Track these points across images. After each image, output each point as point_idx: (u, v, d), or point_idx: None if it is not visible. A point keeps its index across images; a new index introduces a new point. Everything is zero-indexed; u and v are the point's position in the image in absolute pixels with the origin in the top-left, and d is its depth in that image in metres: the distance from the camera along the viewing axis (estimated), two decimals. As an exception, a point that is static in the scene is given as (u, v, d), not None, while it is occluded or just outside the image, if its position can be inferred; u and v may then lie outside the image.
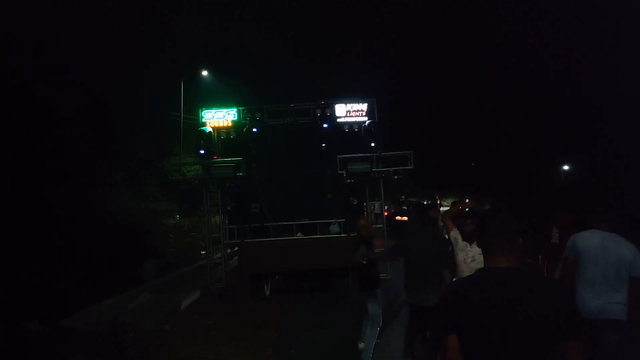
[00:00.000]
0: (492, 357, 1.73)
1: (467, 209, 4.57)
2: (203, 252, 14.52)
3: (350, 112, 9.91)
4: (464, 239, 4.21)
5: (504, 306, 1.70)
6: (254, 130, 9.91)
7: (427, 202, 5.38)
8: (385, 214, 12.31)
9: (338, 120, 9.92)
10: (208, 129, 9.83)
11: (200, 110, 10.15)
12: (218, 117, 9.95)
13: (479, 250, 3.81)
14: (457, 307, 1.81)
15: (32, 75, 11.36)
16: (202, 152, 9.63)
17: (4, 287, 7.79)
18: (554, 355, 1.70)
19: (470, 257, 4.07)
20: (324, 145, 10.21)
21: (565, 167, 35.26)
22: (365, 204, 10.28)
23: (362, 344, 5.55)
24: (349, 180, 9.77)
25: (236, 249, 10.60)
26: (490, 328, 1.71)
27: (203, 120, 9.97)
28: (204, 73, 20.30)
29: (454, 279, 4.15)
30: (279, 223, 9.76)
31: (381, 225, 9.99)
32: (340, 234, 9.45)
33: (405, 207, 22.53)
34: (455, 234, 4.24)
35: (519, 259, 1.85)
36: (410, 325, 4.69)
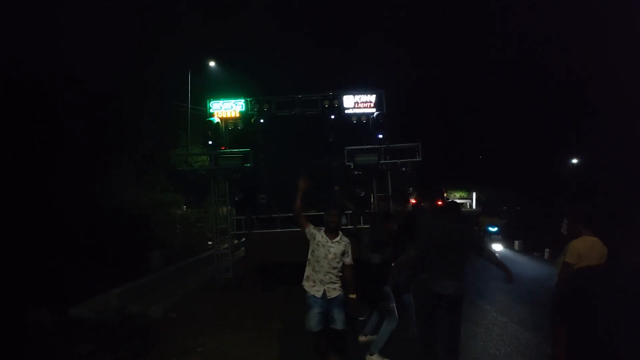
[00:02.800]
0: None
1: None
2: (210, 243, 14.58)
3: (358, 103, 9.82)
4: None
5: None
6: (262, 121, 9.86)
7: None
8: (414, 201, 12.27)
9: (346, 111, 9.83)
10: (216, 119, 9.80)
11: (208, 100, 10.10)
12: (226, 108, 9.90)
13: (340, 248, 4.24)
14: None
15: (36, 67, 11.37)
16: (210, 142, 9.60)
17: (14, 277, 7.86)
18: None
19: (332, 253, 4.25)
20: (331, 136, 10.12)
21: (574, 161, 34.98)
22: (372, 196, 10.22)
23: (364, 337, 5.53)
24: (356, 172, 9.71)
25: (243, 239, 10.61)
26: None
27: (211, 110, 9.93)
28: (212, 64, 20.29)
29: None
30: (285, 214, 9.74)
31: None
32: (347, 226, 9.42)
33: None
34: (312, 230, 4.36)
35: None
36: (429, 314, 4.66)
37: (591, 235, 4.27)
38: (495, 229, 9.11)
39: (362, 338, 5.54)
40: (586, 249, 4.14)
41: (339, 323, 4.25)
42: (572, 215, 5.13)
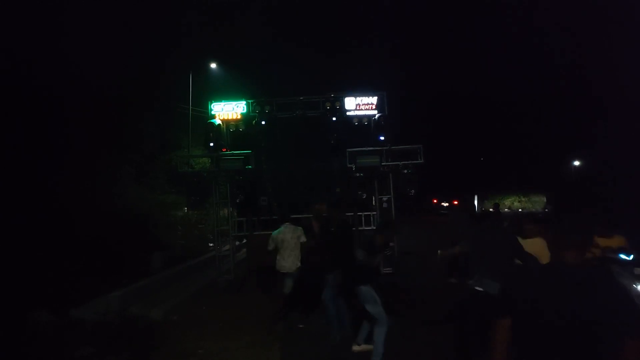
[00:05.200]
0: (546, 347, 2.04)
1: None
2: (211, 245, 14.57)
3: (359, 105, 9.83)
4: None
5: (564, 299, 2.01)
6: (263, 123, 9.86)
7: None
8: (435, 201, 12.37)
9: (347, 113, 9.84)
10: (217, 121, 9.81)
11: (209, 102, 10.12)
12: (227, 110, 9.92)
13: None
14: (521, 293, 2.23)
15: (38, 68, 11.40)
16: (211, 144, 9.60)
17: (15, 278, 7.86)
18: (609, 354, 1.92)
19: None
20: (333, 138, 10.12)
21: (576, 163, 34.94)
22: (374, 198, 10.21)
23: (357, 346, 5.35)
24: (358, 174, 9.69)
25: (244, 241, 10.61)
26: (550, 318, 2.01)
27: (212, 112, 9.95)
28: (213, 66, 20.32)
29: None
30: None
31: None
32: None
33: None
34: None
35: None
36: (468, 311, 4.52)
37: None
38: (630, 256, 5.43)
39: (355, 347, 5.38)
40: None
41: None
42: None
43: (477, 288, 4.30)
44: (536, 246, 4.58)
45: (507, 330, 2.27)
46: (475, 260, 4.50)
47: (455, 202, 27.51)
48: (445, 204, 26.85)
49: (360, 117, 9.86)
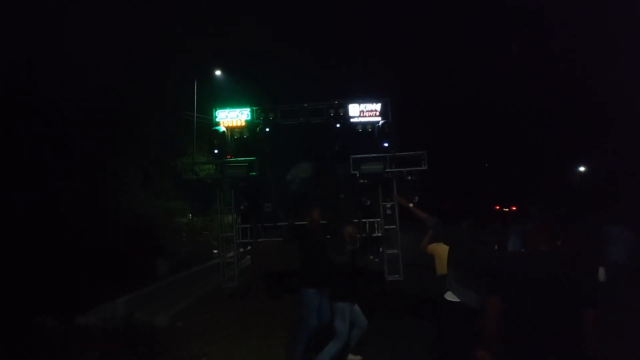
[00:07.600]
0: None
1: None
2: (215, 251, 14.60)
3: (363, 112, 9.85)
4: None
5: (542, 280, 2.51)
6: (267, 130, 9.90)
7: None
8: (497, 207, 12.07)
9: (351, 120, 9.86)
10: (222, 128, 9.86)
11: (214, 109, 10.17)
12: (231, 117, 9.97)
13: None
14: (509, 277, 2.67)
15: (46, 74, 11.53)
16: (216, 151, 9.65)
17: (20, 284, 7.91)
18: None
19: None
20: (337, 145, 10.12)
21: (582, 169, 34.77)
22: (378, 204, 10.19)
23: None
24: (362, 181, 9.70)
25: (249, 248, 10.62)
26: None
27: (217, 119, 9.99)
28: (217, 73, 20.48)
29: None
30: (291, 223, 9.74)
31: (394, 226, 9.89)
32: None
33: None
34: None
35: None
36: (451, 325, 4.20)
37: None
38: None
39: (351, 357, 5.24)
40: None
41: None
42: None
43: (450, 299, 4.08)
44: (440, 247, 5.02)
45: (498, 306, 2.60)
46: (453, 269, 4.21)
47: (514, 208, 27.30)
48: (506, 209, 27.72)
49: (364, 124, 9.88)
